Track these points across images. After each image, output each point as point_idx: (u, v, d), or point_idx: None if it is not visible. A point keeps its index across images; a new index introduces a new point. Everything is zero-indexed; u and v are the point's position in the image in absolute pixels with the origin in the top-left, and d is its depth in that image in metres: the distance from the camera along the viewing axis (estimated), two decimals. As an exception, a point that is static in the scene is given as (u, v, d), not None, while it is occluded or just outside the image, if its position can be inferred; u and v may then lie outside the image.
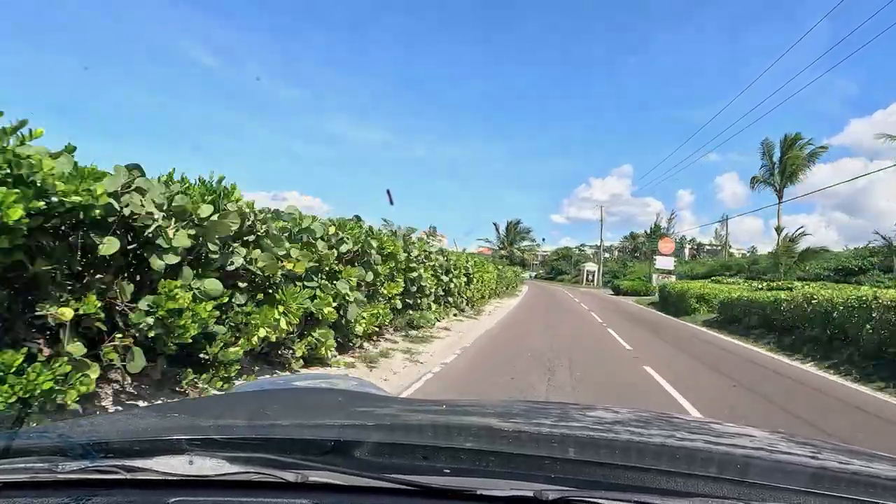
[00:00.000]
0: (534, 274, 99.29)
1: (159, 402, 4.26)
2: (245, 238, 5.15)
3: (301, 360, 6.24)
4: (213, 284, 4.37)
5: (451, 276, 14.41)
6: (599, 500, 0.71)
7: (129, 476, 0.78)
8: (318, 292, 6.25)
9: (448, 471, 0.81)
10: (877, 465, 1.02)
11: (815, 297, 11.70)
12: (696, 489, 0.75)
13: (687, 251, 77.19)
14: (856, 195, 77.89)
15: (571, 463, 0.82)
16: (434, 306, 12.25)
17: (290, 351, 6.17)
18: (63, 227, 3.60)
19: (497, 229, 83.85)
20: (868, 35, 41.19)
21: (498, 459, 0.83)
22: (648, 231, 71.15)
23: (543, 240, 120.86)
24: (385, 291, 8.77)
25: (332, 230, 7.02)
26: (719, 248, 70.55)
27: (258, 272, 5.16)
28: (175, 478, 0.78)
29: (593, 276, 71.29)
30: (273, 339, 5.39)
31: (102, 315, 3.71)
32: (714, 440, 1.12)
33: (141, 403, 4.22)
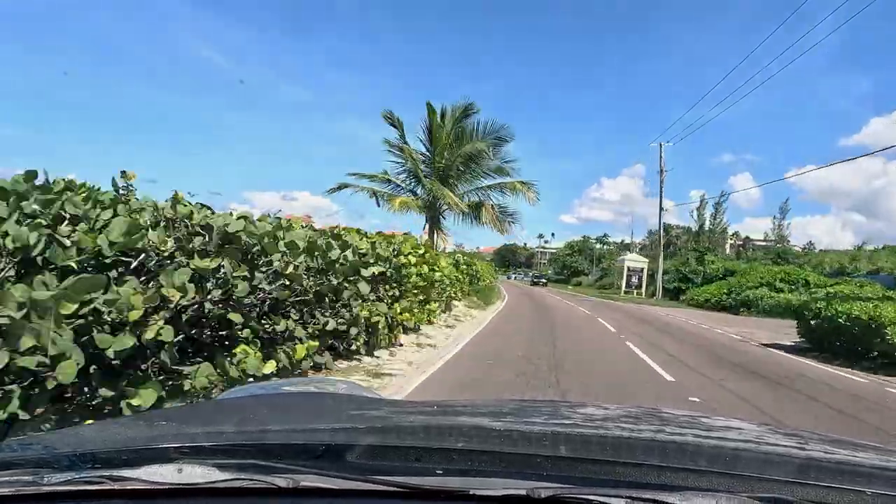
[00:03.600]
0: (539, 274, 74.76)
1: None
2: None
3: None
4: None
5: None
6: (591, 497, 0.72)
7: (116, 486, 0.77)
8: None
9: (441, 471, 0.81)
10: (861, 454, 1.04)
11: None
12: (687, 482, 0.76)
13: (728, 247, 59.27)
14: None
15: (563, 460, 0.83)
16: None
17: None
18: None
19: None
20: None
21: (490, 459, 0.83)
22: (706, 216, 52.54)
23: (553, 235, 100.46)
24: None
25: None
26: (774, 242, 55.10)
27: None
28: (164, 487, 0.77)
29: (639, 276, 42.72)
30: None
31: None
32: (703, 434, 1.13)
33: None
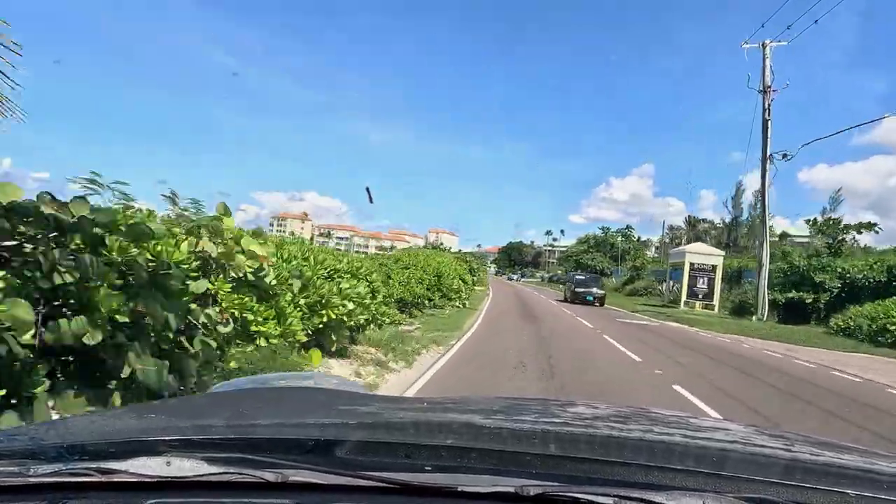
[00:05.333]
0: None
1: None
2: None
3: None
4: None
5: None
6: (579, 495, 0.72)
7: (103, 478, 0.76)
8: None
9: (430, 468, 0.81)
10: (846, 457, 1.05)
11: None
12: (674, 482, 0.76)
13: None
14: None
15: (552, 458, 0.83)
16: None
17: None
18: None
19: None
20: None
21: (479, 456, 0.83)
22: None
23: (563, 232, 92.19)
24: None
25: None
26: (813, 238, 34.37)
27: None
28: (151, 479, 0.76)
29: (709, 278, 26.72)
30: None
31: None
32: (691, 434, 1.14)
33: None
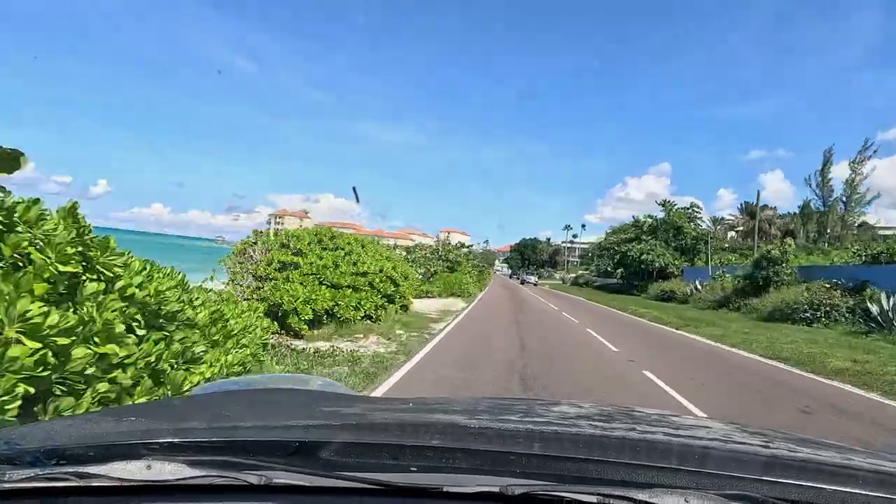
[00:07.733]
0: (569, 277, 48.12)
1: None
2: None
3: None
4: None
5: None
6: (564, 494, 0.73)
7: (82, 483, 0.75)
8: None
9: (415, 469, 0.81)
10: (823, 453, 1.07)
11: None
12: (657, 480, 0.77)
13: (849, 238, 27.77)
14: None
15: (537, 458, 0.84)
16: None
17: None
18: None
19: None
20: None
21: (464, 456, 0.84)
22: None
23: (584, 227, 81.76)
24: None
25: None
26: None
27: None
28: (132, 483, 0.75)
29: None
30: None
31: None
32: (673, 432, 1.15)
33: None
